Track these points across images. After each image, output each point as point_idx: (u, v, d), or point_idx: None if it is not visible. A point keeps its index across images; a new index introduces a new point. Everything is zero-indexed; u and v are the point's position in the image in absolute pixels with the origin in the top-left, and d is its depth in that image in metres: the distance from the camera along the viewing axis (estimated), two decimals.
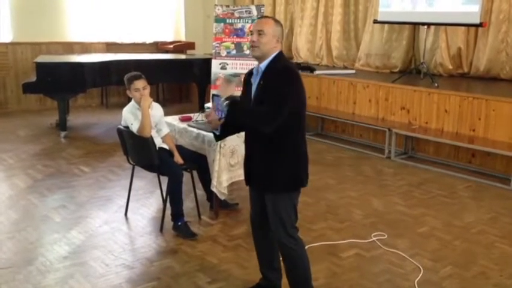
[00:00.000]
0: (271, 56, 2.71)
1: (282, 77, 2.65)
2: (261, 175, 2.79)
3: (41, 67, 6.72)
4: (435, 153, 6.12)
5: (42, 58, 7.32)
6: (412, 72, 7.51)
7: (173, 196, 3.95)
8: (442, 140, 5.84)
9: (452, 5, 6.68)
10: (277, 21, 2.77)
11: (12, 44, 8.40)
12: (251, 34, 2.76)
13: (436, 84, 6.32)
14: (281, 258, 2.92)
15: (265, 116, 2.62)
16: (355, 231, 4.05)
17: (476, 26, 6.63)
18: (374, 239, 3.91)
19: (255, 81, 2.77)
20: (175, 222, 3.97)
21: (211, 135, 4.12)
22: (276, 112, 2.60)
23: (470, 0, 6.48)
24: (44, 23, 8.59)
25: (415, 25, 7.68)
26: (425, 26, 7.13)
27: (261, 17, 2.82)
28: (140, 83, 3.93)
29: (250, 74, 2.85)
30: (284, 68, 2.69)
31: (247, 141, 2.94)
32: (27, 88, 6.77)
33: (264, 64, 2.72)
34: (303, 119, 2.78)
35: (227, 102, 2.68)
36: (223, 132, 2.88)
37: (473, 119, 5.74)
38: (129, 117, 3.93)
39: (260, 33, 2.70)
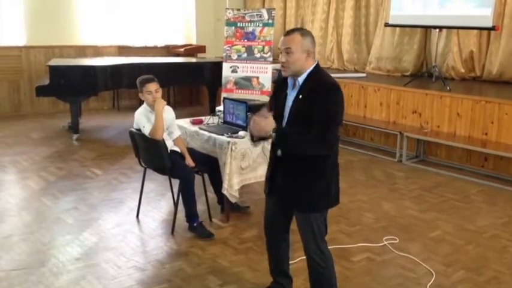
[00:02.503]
0: (308, 70, 2.59)
1: (330, 96, 2.53)
2: (293, 193, 2.67)
3: (53, 70, 6.78)
4: (447, 157, 6.08)
5: (55, 61, 7.39)
6: (424, 75, 7.48)
7: (186, 198, 3.98)
8: (454, 144, 5.80)
9: (464, 8, 6.65)
10: (304, 33, 2.60)
11: (25, 47, 8.49)
12: (280, 52, 2.61)
13: (448, 88, 6.28)
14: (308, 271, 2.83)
15: (321, 141, 2.51)
16: (366, 235, 4.04)
17: (489, 29, 6.59)
18: (386, 243, 3.89)
19: (290, 94, 2.64)
20: (191, 223, 4.01)
21: (222, 138, 4.17)
22: (331, 134, 2.52)
23: (483, 3, 6.44)
24: (57, 26, 8.67)
25: (427, 28, 7.64)
26: (437, 30, 7.09)
27: (287, 32, 2.64)
28: (153, 86, 3.96)
29: (283, 82, 2.71)
30: (330, 85, 2.56)
31: (275, 156, 2.75)
32: (41, 91, 6.83)
33: (302, 78, 2.59)
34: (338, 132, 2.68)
35: (274, 135, 2.57)
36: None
37: (486, 123, 5.69)
38: (142, 119, 3.96)
39: (288, 51, 2.55)
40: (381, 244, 3.87)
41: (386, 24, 7.72)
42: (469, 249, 3.84)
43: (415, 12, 7.26)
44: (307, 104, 2.55)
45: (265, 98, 5.68)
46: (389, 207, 4.68)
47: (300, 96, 2.58)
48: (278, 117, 2.68)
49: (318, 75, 2.60)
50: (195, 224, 3.99)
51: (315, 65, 2.62)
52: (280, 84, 2.77)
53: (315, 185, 2.62)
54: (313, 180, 2.62)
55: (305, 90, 2.58)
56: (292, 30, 2.64)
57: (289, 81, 2.68)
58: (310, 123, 2.52)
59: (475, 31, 7.10)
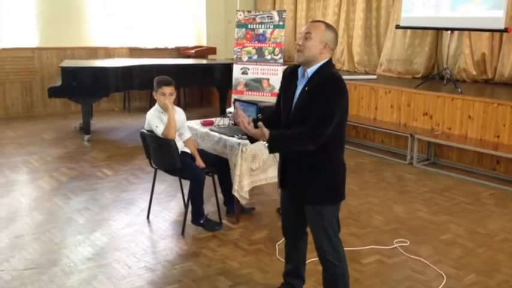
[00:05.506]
0: (320, 63, 2.58)
1: (329, 87, 2.52)
2: (301, 186, 2.68)
3: (66, 72, 6.84)
4: (458, 160, 6.04)
5: (67, 63, 7.46)
6: (435, 77, 7.44)
7: (194, 198, 4.02)
8: (466, 147, 5.76)
9: (476, 10, 6.60)
10: (329, 27, 2.62)
11: (38, 49, 8.57)
12: (299, 37, 2.62)
13: (459, 90, 6.24)
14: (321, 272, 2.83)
15: (312, 134, 2.51)
16: (376, 238, 4.02)
17: (501, 31, 6.54)
18: (396, 245, 3.87)
19: (299, 85, 2.65)
20: (197, 220, 4.08)
21: (233, 139, 4.18)
22: (322, 128, 2.49)
23: (495, 5, 6.40)
24: (69, 28, 8.75)
25: (438, 30, 7.60)
26: (449, 31, 7.05)
27: (314, 20, 2.70)
28: (168, 89, 4.02)
29: (293, 73, 2.71)
30: (330, 76, 2.55)
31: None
32: (53, 92, 6.89)
33: (311, 70, 2.59)
34: (344, 129, 2.67)
35: (267, 143, 2.61)
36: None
37: (498, 125, 5.65)
38: (154, 120, 3.99)
39: (307, 36, 2.56)
40: (392, 247, 3.86)
41: (398, 26, 7.70)
42: (480, 252, 3.81)
43: (426, 14, 7.23)
44: (311, 97, 2.55)
45: (275, 100, 5.66)
46: (400, 209, 4.66)
47: (306, 89, 2.59)
48: (286, 110, 2.69)
49: (327, 69, 2.61)
50: (201, 221, 4.07)
51: (328, 60, 2.62)
52: (288, 75, 2.76)
53: (320, 177, 2.63)
54: (318, 172, 2.63)
55: (312, 82, 2.58)
56: (319, 20, 2.70)
57: (300, 71, 2.67)
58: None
59: (487, 33, 7.06)
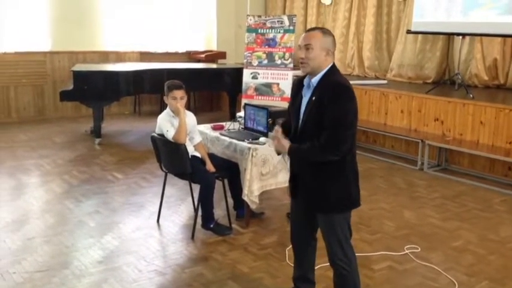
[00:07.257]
0: (323, 71, 2.60)
1: (338, 96, 2.52)
2: (313, 195, 2.68)
3: (77, 75, 6.89)
4: (470, 166, 6.00)
5: (79, 67, 7.51)
6: (446, 83, 7.40)
7: (204, 202, 4.02)
8: (477, 153, 5.72)
9: (488, 15, 6.57)
10: (325, 32, 2.63)
11: (50, 53, 8.65)
12: (299, 49, 2.64)
13: (471, 96, 6.20)
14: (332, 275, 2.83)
15: (329, 146, 2.51)
16: (387, 244, 4.00)
17: None
18: (407, 251, 3.85)
19: (306, 95, 2.67)
20: (207, 224, 4.08)
21: (243, 144, 4.19)
22: (340, 138, 2.51)
23: (507, 10, 6.37)
24: (81, 32, 8.81)
25: (450, 35, 7.57)
26: (460, 37, 7.01)
27: (309, 29, 2.69)
28: (179, 93, 4.03)
29: (300, 83, 2.73)
30: (336, 85, 2.55)
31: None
32: (64, 96, 6.95)
33: (315, 79, 2.61)
34: (355, 136, 2.65)
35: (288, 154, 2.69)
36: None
37: (510, 131, 5.60)
38: (165, 124, 4.00)
39: (307, 47, 2.58)
40: (403, 253, 3.83)
41: (409, 31, 7.67)
42: (492, 259, 3.77)
43: (437, 19, 7.20)
44: (318, 106, 2.56)
45: (286, 104, 5.68)
46: (411, 215, 4.63)
47: (313, 99, 2.60)
48: (295, 121, 2.71)
49: (332, 76, 2.61)
50: (211, 226, 4.07)
51: (330, 65, 2.63)
52: (296, 86, 2.78)
53: (333, 186, 2.63)
54: (331, 181, 2.63)
55: (318, 92, 2.59)
56: (314, 28, 2.70)
57: (305, 81, 2.69)
58: (322, 127, 2.53)
59: (499, 38, 7.01)
